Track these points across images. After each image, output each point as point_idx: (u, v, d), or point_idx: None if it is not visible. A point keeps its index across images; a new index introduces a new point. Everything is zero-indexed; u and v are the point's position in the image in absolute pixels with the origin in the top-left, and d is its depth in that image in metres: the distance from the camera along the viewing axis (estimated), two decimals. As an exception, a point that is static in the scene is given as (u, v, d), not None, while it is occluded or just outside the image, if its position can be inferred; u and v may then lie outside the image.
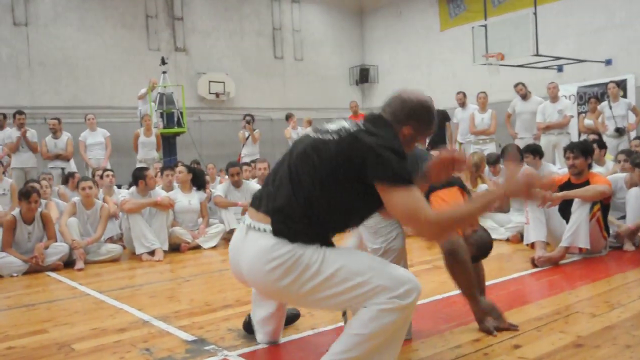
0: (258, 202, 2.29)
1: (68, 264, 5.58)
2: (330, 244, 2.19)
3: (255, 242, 2.19)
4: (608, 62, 11.65)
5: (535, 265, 4.47)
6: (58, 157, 9.23)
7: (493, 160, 6.73)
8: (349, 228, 2.49)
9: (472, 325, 3.07)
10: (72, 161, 9.44)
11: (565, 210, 4.71)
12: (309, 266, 2.10)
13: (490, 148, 9.23)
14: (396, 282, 2.08)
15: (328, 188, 2.12)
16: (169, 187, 6.99)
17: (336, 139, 2.16)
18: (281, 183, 2.21)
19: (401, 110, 2.30)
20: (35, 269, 5.39)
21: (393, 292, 2.05)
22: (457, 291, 3.81)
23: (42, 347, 3.13)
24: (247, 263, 2.22)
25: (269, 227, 2.16)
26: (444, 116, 9.72)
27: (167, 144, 11.63)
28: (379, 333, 2.05)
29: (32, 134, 9.19)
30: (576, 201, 4.55)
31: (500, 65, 11.12)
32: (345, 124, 2.24)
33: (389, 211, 2.13)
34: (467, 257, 2.77)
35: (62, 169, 9.09)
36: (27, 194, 5.50)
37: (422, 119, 2.33)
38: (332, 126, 2.25)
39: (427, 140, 9.60)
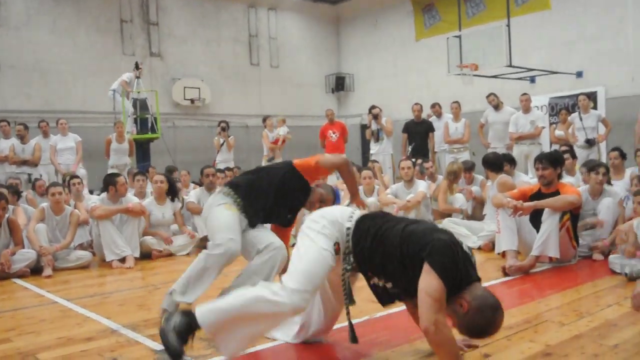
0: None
1: (36, 270, 5.45)
2: None
3: None
4: (579, 74, 11.86)
5: (506, 274, 4.51)
6: (25, 162, 9.07)
7: (468, 167, 6.80)
8: None
9: (443, 334, 3.07)
10: (40, 167, 9.29)
11: (535, 219, 4.76)
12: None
13: (465, 156, 9.31)
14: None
15: None
16: (140, 194, 6.90)
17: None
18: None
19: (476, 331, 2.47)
20: (0, 275, 5.26)
21: None
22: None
23: (5, 357, 3.05)
24: None
25: None
26: (429, 127, 9.79)
27: (141, 149, 11.50)
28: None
29: None
30: (546, 211, 4.61)
31: (474, 75, 11.25)
32: None
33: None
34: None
35: (29, 174, 8.92)
36: None
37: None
38: None
39: (409, 149, 9.69)
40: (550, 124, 11.07)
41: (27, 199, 7.22)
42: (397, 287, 2.59)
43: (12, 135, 9.32)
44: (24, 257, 5.39)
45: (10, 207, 5.93)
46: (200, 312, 2.55)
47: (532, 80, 12.18)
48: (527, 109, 9.00)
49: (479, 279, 2.47)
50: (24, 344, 3.28)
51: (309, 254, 2.57)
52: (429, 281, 2.35)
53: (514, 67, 10.63)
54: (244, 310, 2.50)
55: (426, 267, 2.38)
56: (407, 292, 2.57)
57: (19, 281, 5.22)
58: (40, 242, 5.48)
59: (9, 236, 5.49)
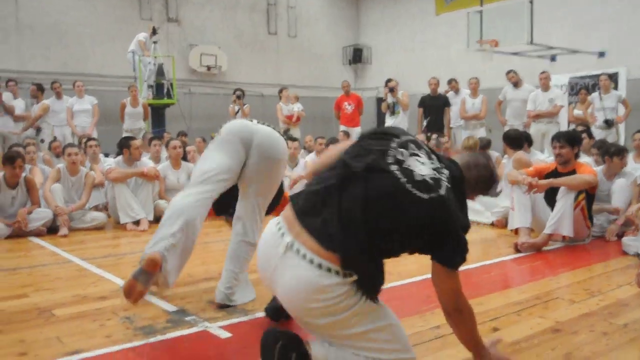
0: (310, 222, 2.01)
1: (51, 230, 5.54)
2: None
3: (301, 272, 1.95)
4: (601, 54, 11.65)
5: (518, 251, 4.52)
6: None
7: (483, 145, 6.75)
8: None
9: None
10: (56, 128, 9.38)
11: (550, 197, 4.74)
12: (357, 314, 1.99)
13: (481, 133, 9.24)
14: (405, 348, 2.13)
15: (403, 244, 2.06)
16: (156, 158, 6.95)
17: (426, 199, 1.98)
18: (351, 221, 1.95)
19: (486, 183, 2.32)
20: (18, 233, 5.35)
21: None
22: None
23: (22, 312, 3.12)
24: (287, 290, 2.00)
25: (323, 263, 1.93)
26: (445, 101, 9.72)
27: (156, 115, 11.53)
28: None
29: (8, 97, 9.03)
30: (562, 189, 4.58)
31: (494, 52, 11.09)
32: (436, 172, 2.07)
33: (435, 282, 2.14)
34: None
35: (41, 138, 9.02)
36: (11, 158, 5.44)
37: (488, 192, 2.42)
38: (423, 168, 2.05)
39: (424, 124, 9.63)
40: (569, 103, 10.92)
41: (43, 159, 7.29)
42: None
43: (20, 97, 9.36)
44: (40, 216, 5.48)
45: (27, 166, 6.01)
46: None
47: (553, 58, 11.99)
48: (546, 87, 8.88)
49: None
50: (41, 299, 3.35)
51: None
52: None
53: (534, 44, 10.47)
54: None
55: None
56: None
57: (35, 239, 5.31)
58: (56, 202, 5.56)
59: (26, 195, 5.57)
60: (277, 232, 2.06)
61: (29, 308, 3.18)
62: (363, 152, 2.10)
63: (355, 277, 1.95)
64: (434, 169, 2.09)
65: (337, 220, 1.96)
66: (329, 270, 1.93)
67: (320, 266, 1.93)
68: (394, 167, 2.03)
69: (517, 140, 5.95)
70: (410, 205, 1.98)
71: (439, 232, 2.03)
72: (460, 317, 2.17)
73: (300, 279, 1.94)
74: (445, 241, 2.04)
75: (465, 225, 2.12)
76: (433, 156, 2.16)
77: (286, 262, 1.99)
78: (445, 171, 2.13)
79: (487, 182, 2.31)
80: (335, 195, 2.00)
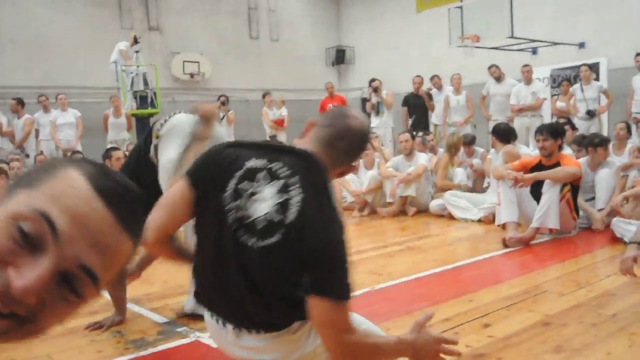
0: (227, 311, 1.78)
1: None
2: None
3: (267, 342, 1.75)
4: (581, 45, 11.75)
5: (506, 246, 4.54)
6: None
7: (468, 141, 6.79)
8: None
9: (443, 305, 3.12)
10: (42, 142, 9.32)
11: (536, 191, 4.78)
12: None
13: (466, 129, 9.28)
14: None
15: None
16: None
17: (281, 241, 1.62)
18: (241, 296, 1.69)
19: (358, 146, 1.86)
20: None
21: None
22: (429, 272, 3.90)
23: (11, 330, 3.09)
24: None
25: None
26: (430, 98, 9.76)
27: (141, 124, 11.45)
28: None
29: None
30: (547, 182, 4.62)
31: (476, 47, 11.16)
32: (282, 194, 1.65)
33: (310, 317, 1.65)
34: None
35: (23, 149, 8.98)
36: None
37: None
38: (262, 206, 1.65)
39: (410, 123, 9.67)
40: (552, 95, 11.00)
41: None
42: None
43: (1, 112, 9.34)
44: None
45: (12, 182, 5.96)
46: None
47: (534, 51, 12.08)
48: (528, 80, 8.95)
49: None
50: (30, 317, 3.32)
51: None
52: None
53: (516, 38, 10.55)
54: None
55: None
56: None
57: (22, 256, 5.26)
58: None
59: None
60: (218, 326, 1.82)
61: (18, 327, 3.16)
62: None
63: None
64: (279, 192, 1.66)
65: (236, 304, 1.73)
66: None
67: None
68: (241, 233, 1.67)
69: (507, 134, 6.01)
70: (272, 262, 1.63)
71: (308, 266, 1.60)
72: None
73: (273, 347, 1.75)
74: (315, 272, 1.61)
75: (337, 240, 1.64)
76: (276, 173, 1.68)
77: (247, 341, 1.77)
78: (295, 182, 1.66)
79: (362, 141, 1.85)
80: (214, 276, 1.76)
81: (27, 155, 8.89)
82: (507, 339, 2.62)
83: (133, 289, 3.80)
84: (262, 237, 1.63)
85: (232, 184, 1.69)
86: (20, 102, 9.34)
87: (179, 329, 2.96)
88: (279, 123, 10.51)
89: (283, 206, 1.63)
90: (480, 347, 2.54)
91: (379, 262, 4.08)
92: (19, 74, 12.08)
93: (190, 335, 2.86)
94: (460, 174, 6.50)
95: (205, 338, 2.81)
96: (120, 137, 9.69)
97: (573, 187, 4.71)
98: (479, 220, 5.76)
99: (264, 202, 1.66)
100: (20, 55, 12.13)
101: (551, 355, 2.42)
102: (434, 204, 6.34)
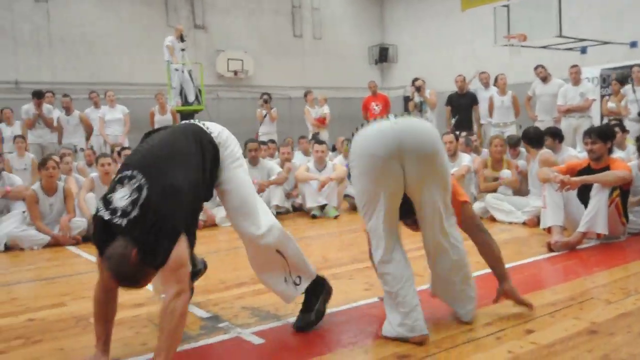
0: None
1: (86, 238, 5.67)
2: None
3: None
4: (633, 44, 11.40)
5: (551, 250, 4.44)
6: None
7: (514, 142, 6.65)
8: None
9: (486, 309, 3.07)
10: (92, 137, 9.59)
11: (583, 194, 4.66)
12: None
13: (511, 130, 9.12)
14: None
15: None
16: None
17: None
18: None
19: None
20: (55, 242, 5.49)
21: None
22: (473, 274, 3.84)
23: (60, 320, 3.20)
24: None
25: None
26: (473, 99, 9.63)
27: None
28: None
29: (48, 109, 9.29)
30: (595, 186, 4.49)
31: (522, 46, 10.95)
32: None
33: None
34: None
35: (75, 145, 9.21)
36: (43, 162, 5.64)
37: None
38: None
39: (453, 122, 9.57)
40: (602, 96, 10.70)
41: (77, 169, 7.46)
42: None
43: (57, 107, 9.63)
44: (76, 225, 5.61)
45: (63, 176, 6.16)
46: None
47: (583, 50, 11.78)
48: (576, 81, 8.72)
49: None
50: (78, 308, 3.43)
51: None
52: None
53: (564, 37, 10.32)
54: None
55: None
56: None
57: (71, 248, 5.44)
58: (90, 211, 5.67)
59: (63, 203, 5.71)
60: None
61: (67, 317, 3.26)
62: None
63: None
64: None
65: None
66: None
67: None
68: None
69: (538, 139, 5.86)
70: None
71: None
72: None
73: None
74: None
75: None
76: None
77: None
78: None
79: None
80: None
81: (79, 150, 9.12)
82: (550, 347, 2.56)
83: (177, 284, 3.88)
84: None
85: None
86: (71, 98, 9.57)
87: (221, 325, 3.00)
88: (321, 121, 10.52)
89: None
90: (523, 353, 2.50)
91: (420, 263, 4.02)
92: (68, 71, 12.46)
93: (232, 331, 2.90)
94: (506, 174, 6.35)
95: (247, 334, 2.85)
96: (166, 134, 9.86)
97: (622, 191, 4.57)
98: (523, 223, 5.65)
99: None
100: (69, 54, 12.51)
101: (597, 365, 2.36)
102: (476, 207, 6.22)
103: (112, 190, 2.36)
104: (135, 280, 2.30)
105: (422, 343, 2.60)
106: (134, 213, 2.26)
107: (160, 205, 2.29)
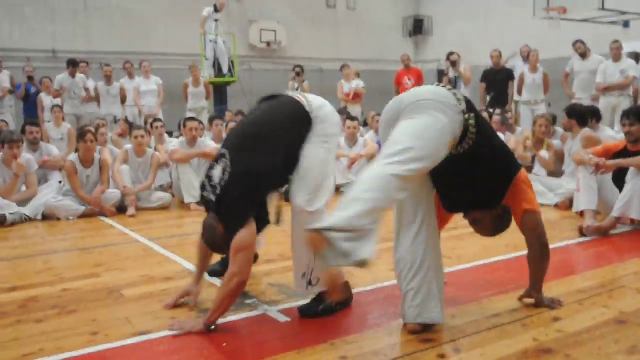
0: None
1: (120, 209, 5.80)
2: None
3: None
4: (680, 19, 10.97)
5: (583, 235, 4.37)
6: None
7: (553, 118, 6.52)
8: None
9: (512, 294, 3.06)
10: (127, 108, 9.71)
11: (619, 178, 4.55)
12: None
13: (541, 108, 8.92)
14: None
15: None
16: (218, 137, 7.09)
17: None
18: None
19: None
20: (90, 213, 5.63)
21: None
22: (499, 258, 3.82)
23: (94, 291, 3.30)
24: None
25: None
26: (509, 74, 9.43)
27: (218, 93, 11.73)
28: None
29: (82, 79, 9.42)
30: (631, 170, 4.38)
31: (562, 19, 10.63)
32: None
33: None
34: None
35: (115, 116, 9.34)
36: (82, 134, 5.72)
37: None
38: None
39: (488, 99, 9.40)
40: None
41: (112, 140, 7.58)
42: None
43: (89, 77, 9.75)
44: (110, 196, 5.74)
45: (98, 147, 6.27)
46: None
47: (626, 24, 11.38)
48: (617, 58, 8.45)
49: None
50: (111, 279, 3.54)
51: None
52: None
53: (606, 10, 9.98)
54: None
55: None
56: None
57: (105, 219, 5.57)
58: (124, 183, 5.80)
59: (98, 175, 5.83)
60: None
61: (100, 287, 3.37)
62: None
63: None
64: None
65: None
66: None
67: None
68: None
69: (587, 116, 5.73)
70: None
71: None
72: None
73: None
74: None
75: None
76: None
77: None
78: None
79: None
80: None
81: (116, 121, 9.24)
82: (577, 335, 2.54)
83: (206, 258, 3.95)
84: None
85: None
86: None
87: (248, 301, 3.06)
88: (355, 96, 10.42)
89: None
90: (548, 341, 2.48)
91: (448, 244, 4.02)
92: (104, 40, 12.58)
93: (259, 308, 2.95)
94: (544, 154, 6.22)
95: (273, 312, 2.90)
96: (199, 105, 9.96)
97: (660, 176, 4.45)
98: (555, 206, 5.57)
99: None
100: (105, 22, 12.62)
101: (624, 356, 2.33)
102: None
103: (212, 167, 2.63)
104: (221, 248, 2.71)
105: (412, 332, 2.56)
106: (218, 192, 2.55)
107: (236, 190, 2.52)
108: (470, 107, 2.46)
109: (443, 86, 2.52)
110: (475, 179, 2.55)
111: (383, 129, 2.58)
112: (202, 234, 2.77)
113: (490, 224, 2.70)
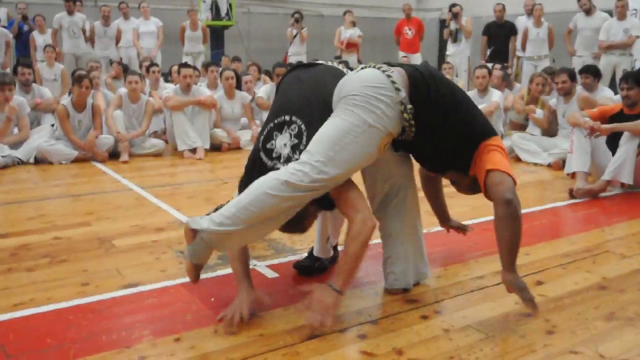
0: None
1: (113, 155, 5.79)
2: None
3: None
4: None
5: (573, 197, 4.41)
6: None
7: (549, 73, 6.47)
8: None
9: (497, 256, 3.09)
10: (121, 49, 9.52)
11: (612, 141, 4.56)
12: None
13: (545, 64, 8.78)
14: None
15: None
16: (213, 84, 7.01)
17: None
18: None
19: None
20: (82, 158, 5.62)
21: None
22: (488, 218, 3.84)
23: (85, 240, 3.33)
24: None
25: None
26: (511, 29, 9.25)
27: (215, 36, 11.51)
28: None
29: (82, 19, 9.21)
30: (625, 134, 4.38)
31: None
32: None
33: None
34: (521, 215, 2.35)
35: (110, 59, 9.17)
36: (79, 78, 5.63)
37: None
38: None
39: (488, 53, 9.26)
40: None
41: (106, 84, 7.49)
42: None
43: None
44: (103, 142, 5.71)
45: (91, 91, 6.20)
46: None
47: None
48: (622, 16, 8.28)
49: None
50: (102, 229, 3.56)
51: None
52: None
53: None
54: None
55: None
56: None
57: (98, 164, 5.57)
58: (117, 129, 5.76)
59: (91, 120, 5.79)
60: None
61: (91, 237, 3.39)
62: None
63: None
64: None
65: None
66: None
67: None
68: None
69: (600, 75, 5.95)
70: None
71: None
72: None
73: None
74: None
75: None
76: None
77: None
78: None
79: None
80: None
81: (112, 63, 9.05)
82: (558, 300, 2.59)
83: (197, 209, 3.99)
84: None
85: None
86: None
87: (238, 256, 3.09)
88: (350, 45, 10.24)
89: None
90: (530, 305, 2.53)
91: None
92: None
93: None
94: (539, 113, 6.19)
95: (262, 267, 2.94)
96: (196, 49, 9.79)
97: (654, 140, 4.45)
98: (548, 165, 5.58)
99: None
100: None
101: (602, 323, 2.39)
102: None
103: (271, 137, 2.35)
104: (301, 226, 2.37)
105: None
106: (296, 157, 2.24)
107: None
108: (415, 90, 2.29)
109: (383, 70, 2.29)
110: (437, 149, 2.47)
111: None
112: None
113: (468, 184, 2.63)
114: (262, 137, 2.41)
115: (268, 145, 2.35)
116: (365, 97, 2.21)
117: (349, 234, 2.25)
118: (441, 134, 2.39)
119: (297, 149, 2.27)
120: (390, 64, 2.40)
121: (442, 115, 2.36)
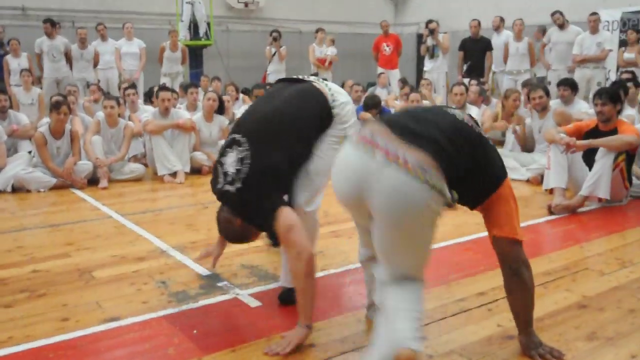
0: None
1: (92, 181, 5.73)
2: None
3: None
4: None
5: (551, 213, 4.46)
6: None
7: (524, 85, 6.60)
8: None
9: (479, 276, 3.12)
10: (99, 71, 9.45)
11: (589, 156, 4.62)
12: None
13: (525, 77, 8.92)
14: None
15: None
16: (192, 106, 7.00)
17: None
18: None
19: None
20: (61, 185, 5.56)
21: None
22: (469, 237, 3.87)
23: (64, 273, 3.29)
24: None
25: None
26: (487, 45, 9.38)
27: (194, 55, 11.50)
28: None
29: (64, 43, 9.07)
30: (601, 149, 4.45)
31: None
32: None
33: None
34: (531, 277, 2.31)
35: (87, 82, 9.07)
36: (57, 105, 5.57)
37: None
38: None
39: (464, 68, 9.37)
40: (620, 43, 10.34)
41: (83, 107, 7.42)
42: None
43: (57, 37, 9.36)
44: (82, 168, 5.66)
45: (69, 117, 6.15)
46: None
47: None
48: (594, 30, 8.45)
49: None
50: (81, 259, 3.52)
51: None
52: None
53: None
54: None
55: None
56: None
57: (77, 191, 5.50)
58: (96, 154, 5.72)
59: (69, 146, 5.73)
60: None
61: (71, 269, 3.35)
62: None
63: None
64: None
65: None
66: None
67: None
68: None
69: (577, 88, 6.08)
70: None
71: None
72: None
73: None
74: None
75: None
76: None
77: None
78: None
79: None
80: None
81: (89, 86, 8.91)
82: (539, 321, 2.59)
83: (179, 236, 3.97)
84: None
85: None
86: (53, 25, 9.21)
87: (220, 284, 3.08)
88: (322, 62, 10.32)
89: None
90: (512, 327, 2.52)
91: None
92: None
93: (230, 292, 2.97)
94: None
95: (244, 296, 2.92)
96: (174, 70, 9.77)
97: (629, 155, 4.53)
98: (527, 181, 5.64)
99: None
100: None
101: (583, 343, 2.41)
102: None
103: (223, 154, 2.47)
104: (243, 239, 2.59)
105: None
106: (238, 184, 2.37)
107: (261, 185, 2.37)
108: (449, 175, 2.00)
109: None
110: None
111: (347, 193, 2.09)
112: (219, 229, 2.60)
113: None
114: (222, 148, 2.55)
115: (221, 159, 2.47)
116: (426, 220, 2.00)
117: (291, 267, 2.39)
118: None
119: (239, 174, 2.38)
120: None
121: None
